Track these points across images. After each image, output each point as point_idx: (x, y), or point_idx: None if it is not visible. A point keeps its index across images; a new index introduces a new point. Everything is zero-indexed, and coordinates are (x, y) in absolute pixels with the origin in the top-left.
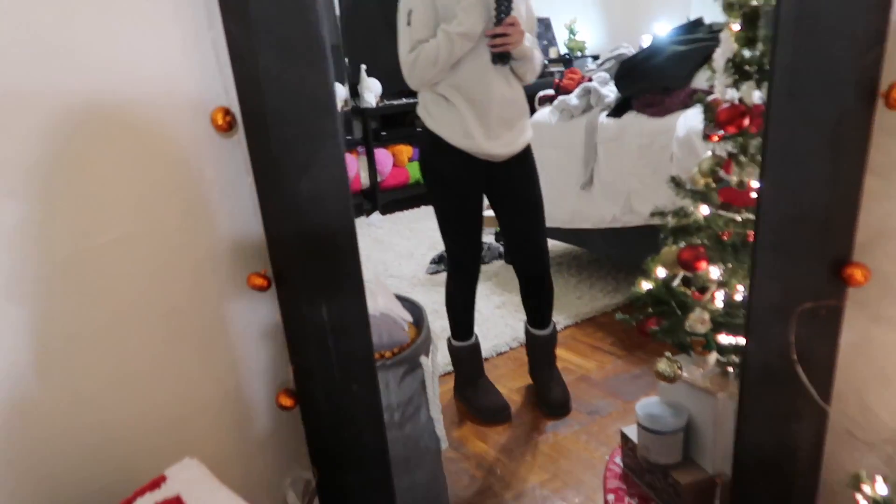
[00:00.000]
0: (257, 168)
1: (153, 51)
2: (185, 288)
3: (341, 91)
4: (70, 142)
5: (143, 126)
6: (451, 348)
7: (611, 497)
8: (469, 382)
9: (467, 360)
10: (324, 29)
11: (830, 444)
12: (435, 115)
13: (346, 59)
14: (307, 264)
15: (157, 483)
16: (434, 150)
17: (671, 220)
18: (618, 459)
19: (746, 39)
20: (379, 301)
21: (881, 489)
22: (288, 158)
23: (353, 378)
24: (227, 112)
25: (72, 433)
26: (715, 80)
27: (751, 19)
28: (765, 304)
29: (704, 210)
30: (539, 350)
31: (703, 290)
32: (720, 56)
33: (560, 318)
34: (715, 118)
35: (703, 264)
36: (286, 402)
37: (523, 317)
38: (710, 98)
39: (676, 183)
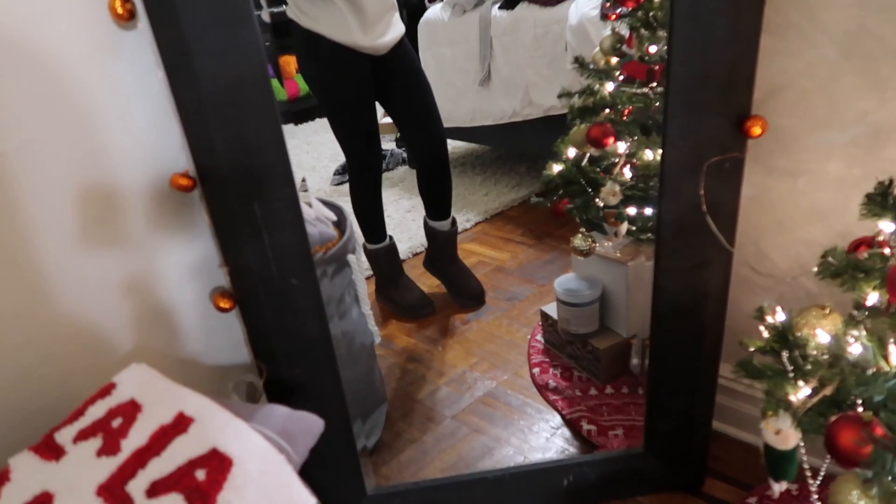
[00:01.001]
0: (168, 60)
1: None
2: (101, 195)
3: None
4: None
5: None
6: (367, 252)
7: (536, 370)
8: (390, 282)
9: (385, 261)
10: None
11: (732, 290)
12: (310, 13)
13: None
14: (234, 160)
15: (106, 390)
16: (315, 51)
17: (577, 101)
18: (539, 337)
19: None
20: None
21: (780, 317)
22: (200, 45)
23: (291, 272)
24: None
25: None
26: None
27: None
28: (677, 162)
29: (609, 86)
30: (443, 243)
31: (611, 165)
32: None
33: (470, 216)
34: None
35: (610, 140)
36: (224, 303)
37: None
38: None
39: (580, 63)
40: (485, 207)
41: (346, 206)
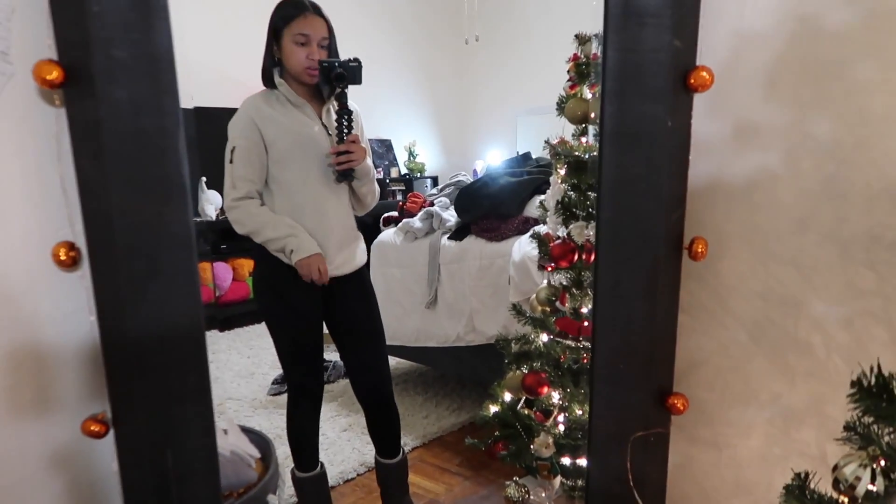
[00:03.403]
0: (103, 306)
1: None
2: (8, 435)
3: (216, 198)
4: None
5: None
6: (294, 480)
7: None
8: None
9: (313, 493)
10: (184, 167)
11: None
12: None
13: None
14: (151, 408)
15: None
16: (268, 269)
17: (514, 346)
18: None
19: (572, 185)
20: (228, 438)
21: None
22: (136, 296)
23: None
24: (71, 247)
25: None
26: (547, 218)
27: (575, 168)
28: (603, 432)
29: (544, 338)
30: (393, 480)
31: (546, 413)
32: (550, 197)
33: (408, 440)
34: (549, 252)
35: (545, 389)
36: None
37: (370, 440)
38: (543, 232)
39: (517, 311)
40: (424, 431)
41: (280, 419)
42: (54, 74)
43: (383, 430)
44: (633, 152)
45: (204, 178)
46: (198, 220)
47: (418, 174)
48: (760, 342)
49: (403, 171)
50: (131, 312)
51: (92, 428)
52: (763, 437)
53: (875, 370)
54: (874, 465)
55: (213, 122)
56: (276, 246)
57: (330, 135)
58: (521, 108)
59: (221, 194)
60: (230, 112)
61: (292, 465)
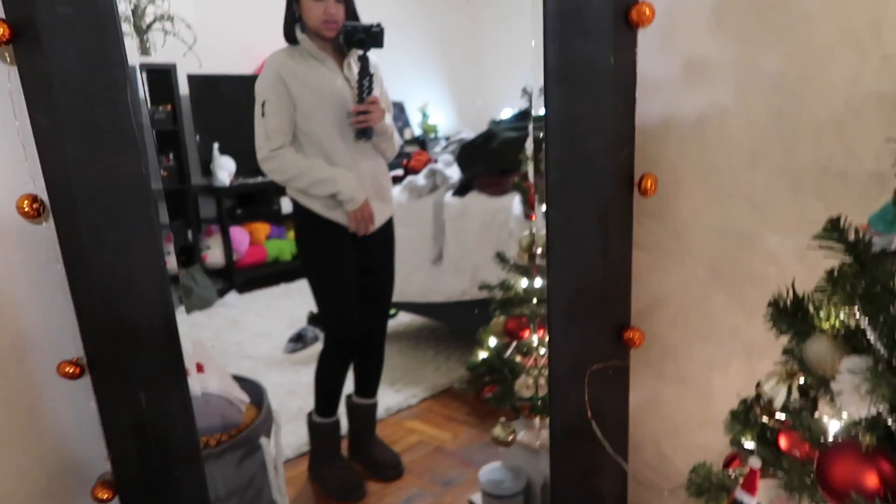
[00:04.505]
0: (67, 254)
1: None
2: None
3: (230, 164)
4: None
5: None
6: (311, 424)
7: None
8: (324, 461)
9: (327, 437)
10: (139, 117)
11: (637, 494)
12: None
13: (197, 137)
14: (122, 351)
15: None
16: (308, 226)
17: (498, 293)
18: None
19: None
20: (212, 383)
21: None
22: (98, 244)
23: (174, 465)
24: (34, 199)
25: None
26: (527, 167)
27: None
28: (561, 367)
29: (524, 283)
30: (366, 419)
31: (527, 355)
32: (529, 146)
33: (417, 391)
34: (528, 200)
35: (526, 332)
36: (102, 494)
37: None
38: (525, 182)
39: (501, 258)
40: (433, 383)
41: (295, 375)
42: (1, 31)
43: (372, 371)
44: (577, 91)
45: (216, 144)
46: (211, 185)
47: (432, 135)
48: (718, 277)
49: (417, 132)
50: (95, 261)
51: (67, 370)
52: (724, 370)
53: (790, 291)
54: (791, 382)
55: (222, 88)
56: (323, 188)
57: (352, 87)
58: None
59: (235, 160)
60: (238, 78)
61: (309, 411)
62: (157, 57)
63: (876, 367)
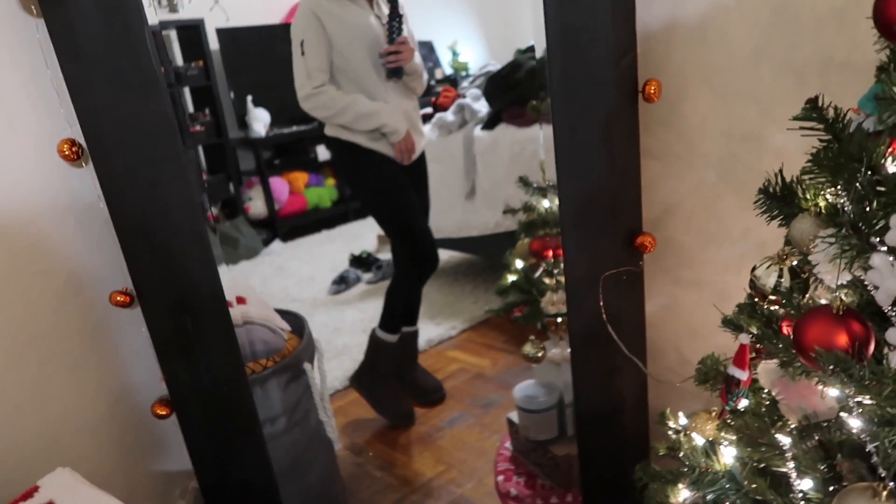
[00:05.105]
0: (107, 194)
1: None
2: (50, 312)
3: (264, 115)
4: None
5: None
6: (377, 340)
7: (500, 478)
8: (382, 379)
9: (389, 356)
10: (156, 62)
11: (659, 397)
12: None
13: (231, 92)
14: (165, 278)
15: (29, 493)
16: (357, 158)
17: (522, 216)
18: (507, 444)
19: None
20: (253, 311)
21: (682, 420)
22: (133, 182)
23: (223, 382)
24: (73, 143)
25: None
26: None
27: None
28: (576, 275)
29: (545, 203)
30: (411, 347)
31: (552, 275)
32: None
33: (456, 323)
34: (544, 122)
35: (550, 252)
36: (161, 410)
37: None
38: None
39: (524, 182)
40: (471, 315)
41: (340, 314)
42: None
43: (419, 294)
44: (575, 1)
45: (250, 97)
46: (248, 137)
47: (463, 73)
48: (728, 179)
49: (448, 71)
50: (132, 197)
51: (118, 299)
52: (738, 272)
53: (779, 176)
54: (782, 265)
55: (251, 40)
56: (367, 122)
57: (383, 25)
58: None
59: (269, 111)
60: (265, 28)
61: (373, 329)
62: (185, 13)
63: (841, 230)
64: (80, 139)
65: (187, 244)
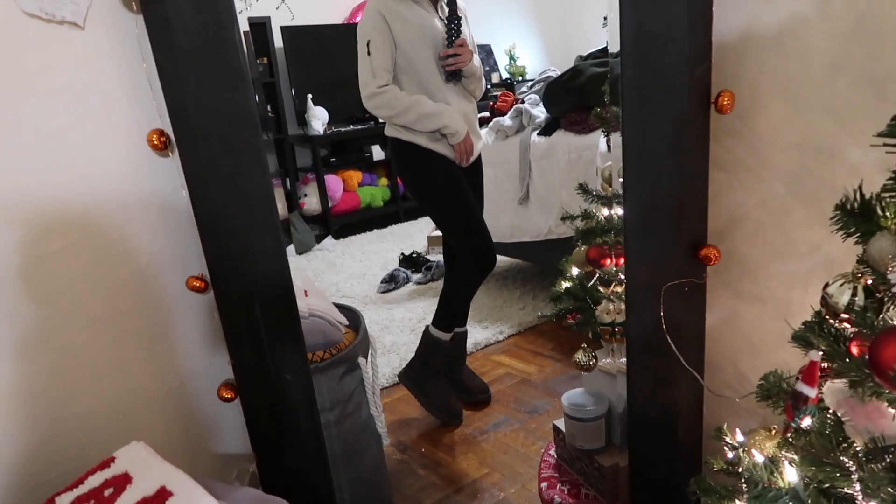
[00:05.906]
0: (190, 181)
1: (91, 82)
2: (130, 293)
3: (323, 114)
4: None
5: (83, 149)
6: (431, 337)
7: (544, 485)
8: (432, 377)
9: (444, 354)
10: (244, 57)
11: (715, 409)
12: (410, 130)
13: (293, 90)
14: (239, 267)
15: (106, 463)
16: (415, 159)
17: (580, 224)
18: (552, 451)
19: None
20: (315, 304)
21: (739, 438)
22: (216, 172)
23: (286, 369)
24: (161, 133)
25: (25, 428)
26: (607, 98)
27: None
28: (637, 283)
29: (605, 212)
30: (460, 347)
31: (608, 283)
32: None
33: (504, 328)
34: (611, 130)
35: (608, 261)
36: (227, 394)
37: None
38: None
39: (584, 189)
40: (519, 321)
41: (388, 312)
42: None
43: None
44: (652, 7)
45: (310, 96)
46: (306, 134)
47: (520, 77)
48: (798, 193)
49: (504, 75)
50: (213, 187)
51: (194, 284)
52: (804, 288)
53: (858, 192)
54: (857, 284)
55: (314, 38)
56: (429, 123)
57: (445, 28)
58: None
59: (328, 110)
60: (329, 28)
61: (426, 326)
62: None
63: None
64: (169, 130)
65: (262, 235)
